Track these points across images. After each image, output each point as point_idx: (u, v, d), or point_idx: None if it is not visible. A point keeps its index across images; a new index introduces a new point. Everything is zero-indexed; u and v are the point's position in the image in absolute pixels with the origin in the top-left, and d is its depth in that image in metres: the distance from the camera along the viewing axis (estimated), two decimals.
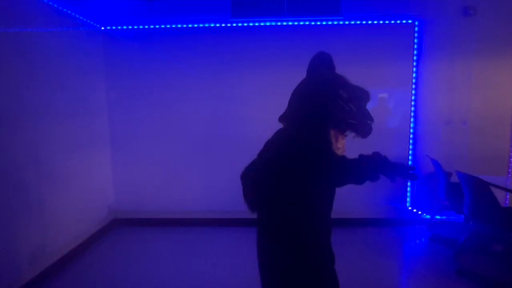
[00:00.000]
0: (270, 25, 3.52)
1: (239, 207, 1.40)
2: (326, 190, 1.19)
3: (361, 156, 1.13)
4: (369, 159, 1.12)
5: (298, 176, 1.12)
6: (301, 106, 1.19)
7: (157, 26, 3.56)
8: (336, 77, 1.22)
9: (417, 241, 3.41)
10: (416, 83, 3.58)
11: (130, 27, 3.57)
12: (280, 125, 1.28)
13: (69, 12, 2.97)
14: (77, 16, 3.11)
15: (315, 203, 1.17)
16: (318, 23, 3.51)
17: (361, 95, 1.21)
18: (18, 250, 2.33)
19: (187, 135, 3.68)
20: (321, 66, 1.25)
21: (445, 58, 3.53)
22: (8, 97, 2.25)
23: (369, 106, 2.88)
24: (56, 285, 2.54)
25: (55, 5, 2.77)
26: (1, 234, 2.17)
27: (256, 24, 3.52)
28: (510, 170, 3.55)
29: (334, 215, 3.79)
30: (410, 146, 3.63)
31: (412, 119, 3.61)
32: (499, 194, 2.77)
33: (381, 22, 3.50)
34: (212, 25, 3.55)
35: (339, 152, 1.21)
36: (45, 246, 2.58)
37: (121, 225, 3.73)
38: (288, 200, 1.14)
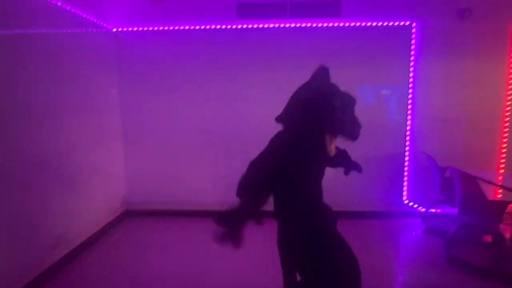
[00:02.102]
0: (274, 27, 3.70)
1: None
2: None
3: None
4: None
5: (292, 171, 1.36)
6: (300, 110, 1.39)
7: (166, 28, 3.76)
8: (331, 87, 1.41)
9: (412, 233, 3.60)
10: (413, 82, 3.74)
11: (140, 28, 3.77)
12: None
13: (83, 16, 3.17)
14: (91, 19, 3.31)
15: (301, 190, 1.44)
16: (320, 25, 3.68)
17: (350, 102, 1.40)
18: (43, 236, 2.56)
19: (196, 129, 3.88)
20: (321, 77, 1.45)
21: (441, 58, 3.69)
22: (35, 96, 2.45)
23: (368, 104, 3.11)
24: (77, 268, 2.78)
25: (71, 10, 2.97)
26: (28, 221, 2.39)
27: (260, 26, 3.70)
28: (501, 166, 3.72)
29: (335, 207, 4.03)
30: (407, 143, 3.81)
31: (409, 117, 3.78)
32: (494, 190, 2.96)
33: (379, 24, 3.66)
34: (218, 26, 3.74)
35: (331, 153, 1.44)
36: (67, 233, 2.82)
37: (133, 216, 3.97)
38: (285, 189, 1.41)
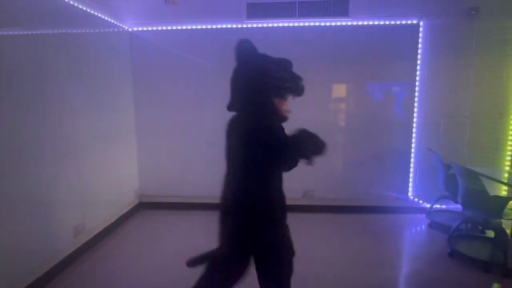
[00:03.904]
0: (283, 26, 3.80)
1: None
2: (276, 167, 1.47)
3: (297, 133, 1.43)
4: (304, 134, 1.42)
5: (259, 158, 1.38)
6: (244, 90, 1.45)
7: (179, 27, 3.89)
8: (260, 56, 1.46)
9: (417, 227, 3.69)
10: (420, 80, 3.80)
11: (154, 28, 3.91)
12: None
13: (100, 16, 3.32)
14: (107, 19, 3.45)
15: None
16: (328, 24, 3.76)
17: (285, 63, 1.46)
18: (65, 225, 2.75)
19: (207, 126, 4.02)
20: (244, 52, 1.50)
21: (448, 56, 3.74)
22: (54, 93, 2.60)
23: (375, 101, 3.23)
24: (95, 256, 2.97)
25: (89, 11, 3.12)
26: (52, 211, 2.57)
27: (270, 25, 3.80)
28: (507, 163, 3.76)
29: (344, 202, 4.17)
30: (413, 140, 3.88)
31: (415, 114, 3.85)
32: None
33: (387, 22, 3.73)
34: (229, 26, 3.85)
35: (287, 114, 1.48)
36: (85, 224, 2.99)
37: (146, 208, 4.14)
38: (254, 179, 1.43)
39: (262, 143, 1.36)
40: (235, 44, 1.50)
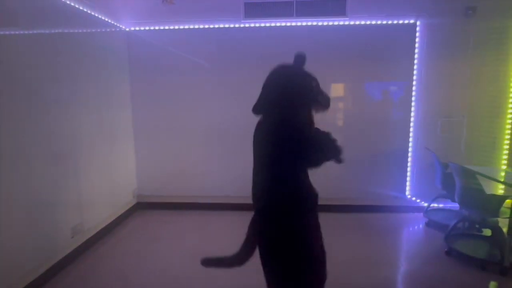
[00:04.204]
0: (281, 25, 3.80)
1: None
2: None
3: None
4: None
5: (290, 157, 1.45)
6: (281, 95, 1.50)
7: (176, 27, 3.88)
8: (307, 72, 1.56)
9: (414, 226, 3.70)
10: (417, 79, 3.81)
11: (151, 28, 3.90)
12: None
13: (97, 15, 3.31)
14: (104, 19, 3.44)
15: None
16: (326, 23, 3.76)
17: (316, 79, 1.56)
18: (63, 225, 2.74)
19: (204, 125, 4.02)
20: (301, 63, 1.58)
21: (445, 56, 3.75)
22: (50, 93, 2.59)
23: (373, 100, 3.28)
24: (93, 256, 2.96)
25: (85, 10, 3.11)
26: (49, 211, 2.56)
27: (268, 25, 3.80)
28: (503, 162, 3.78)
29: (341, 201, 4.16)
30: (410, 139, 3.89)
31: (412, 113, 3.86)
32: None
33: (384, 22, 3.73)
34: (226, 25, 3.85)
35: (313, 125, 1.56)
36: (83, 224, 2.99)
37: (144, 208, 4.14)
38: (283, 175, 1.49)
39: (291, 139, 1.43)
40: (296, 54, 1.57)
